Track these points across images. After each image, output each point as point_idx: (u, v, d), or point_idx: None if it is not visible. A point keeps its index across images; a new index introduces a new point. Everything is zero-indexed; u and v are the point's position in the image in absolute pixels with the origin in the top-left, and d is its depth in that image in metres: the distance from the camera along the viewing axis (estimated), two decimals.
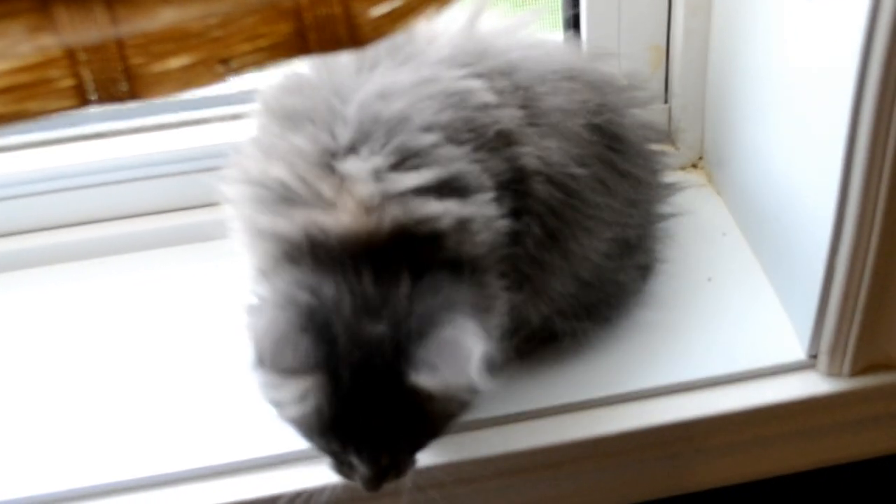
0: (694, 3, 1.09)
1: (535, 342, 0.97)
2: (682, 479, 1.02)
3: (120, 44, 0.55)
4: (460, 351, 0.71)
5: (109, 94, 0.56)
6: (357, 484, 0.81)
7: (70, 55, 0.55)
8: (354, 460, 0.79)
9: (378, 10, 0.58)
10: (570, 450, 0.94)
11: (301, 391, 0.75)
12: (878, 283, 0.92)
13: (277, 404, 0.78)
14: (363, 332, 0.73)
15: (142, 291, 1.10)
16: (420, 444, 0.81)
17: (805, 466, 1.05)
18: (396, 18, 0.58)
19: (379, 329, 0.73)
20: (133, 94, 0.56)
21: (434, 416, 0.78)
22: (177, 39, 0.56)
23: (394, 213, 0.74)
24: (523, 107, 0.84)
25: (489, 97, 0.81)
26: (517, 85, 0.85)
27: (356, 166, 0.75)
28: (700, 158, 1.20)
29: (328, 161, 0.76)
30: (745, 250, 1.10)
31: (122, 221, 1.16)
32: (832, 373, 0.98)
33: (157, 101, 0.57)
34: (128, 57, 0.55)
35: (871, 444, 1.05)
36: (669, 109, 1.18)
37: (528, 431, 0.94)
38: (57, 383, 1.01)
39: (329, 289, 0.74)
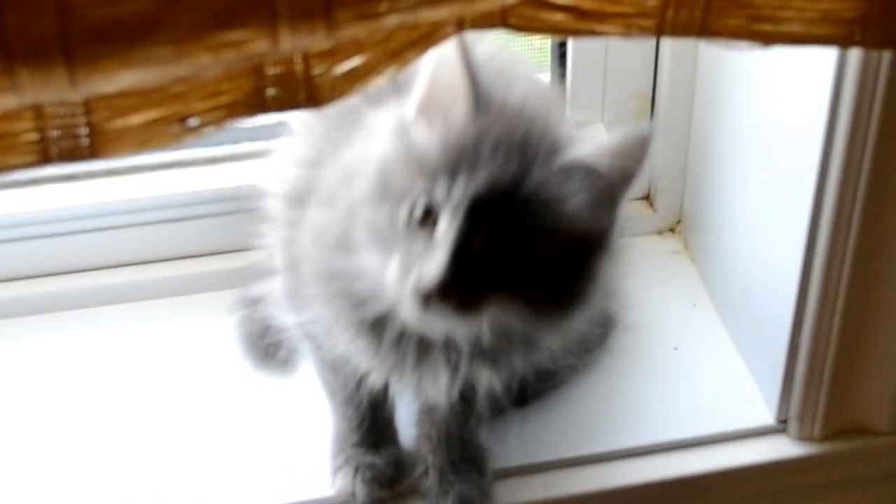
0: (680, 52, 1.09)
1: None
2: None
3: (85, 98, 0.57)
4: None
5: (70, 151, 0.58)
6: (409, 285, 0.71)
7: (34, 109, 0.56)
8: (443, 226, 0.71)
9: (338, 70, 0.59)
10: None
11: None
12: (843, 350, 0.93)
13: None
14: None
15: (135, 344, 1.10)
16: (523, 259, 0.73)
17: None
18: (355, 79, 0.60)
19: None
20: (94, 152, 0.58)
21: (556, 233, 0.73)
22: (139, 94, 0.57)
23: None
24: None
25: None
26: None
27: None
28: (678, 222, 1.20)
29: None
30: (715, 321, 1.11)
31: (110, 270, 1.15)
32: (802, 437, 0.98)
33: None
34: (91, 111, 0.57)
35: None
36: (651, 165, 1.17)
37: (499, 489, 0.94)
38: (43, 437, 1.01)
39: None
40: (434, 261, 0.71)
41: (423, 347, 0.80)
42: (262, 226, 0.91)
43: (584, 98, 1.13)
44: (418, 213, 0.72)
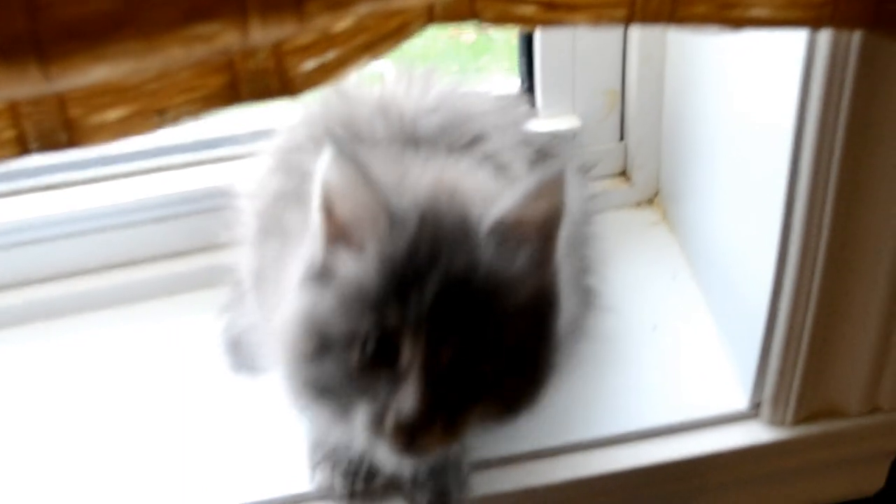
0: (647, 50, 1.10)
1: None
2: None
3: (60, 96, 0.57)
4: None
5: (50, 143, 0.58)
6: (387, 428, 0.68)
7: (12, 107, 0.57)
8: (406, 352, 0.67)
9: (310, 64, 0.60)
10: (509, 500, 0.95)
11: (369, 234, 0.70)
12: (819, 332, 0.93)
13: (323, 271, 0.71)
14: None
15: (117, 348, 1.10)
16: (493, 358, 0.70)
17: None
18: (328, 71, 0.60)
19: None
20: (72, 143, 0.58)
21: (514, 310, 0.70)
22: (114, 92, 0.57)
23: None
24: None
25: None
26: None
27: None
28: (656, 194, 1.21)
29: None
30: (694, 292, 1.11)
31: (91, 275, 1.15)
32: (775, 422, 0.99)
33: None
34: (67, 108, 0.57)
35: (815, 491, 1.06)
36: (625, 146, 1.19)
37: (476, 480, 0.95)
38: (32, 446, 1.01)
39: None
40: (408, 392, 0.67)
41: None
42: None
43: (554, 95, 1.14)
44: (370, 350, 0.68)
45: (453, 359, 0.68)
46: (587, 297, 0.98)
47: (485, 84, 0.99)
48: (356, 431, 0.70)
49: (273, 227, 0.82)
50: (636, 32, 1.10)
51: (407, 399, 0.67)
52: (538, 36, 1.11)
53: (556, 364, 0.75)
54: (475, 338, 0.68)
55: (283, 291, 0.76)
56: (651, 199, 1.21)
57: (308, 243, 0.73)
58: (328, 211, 0.71)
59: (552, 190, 0.70)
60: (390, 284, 0.68)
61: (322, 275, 0.71)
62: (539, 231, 0.71)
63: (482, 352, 0.69)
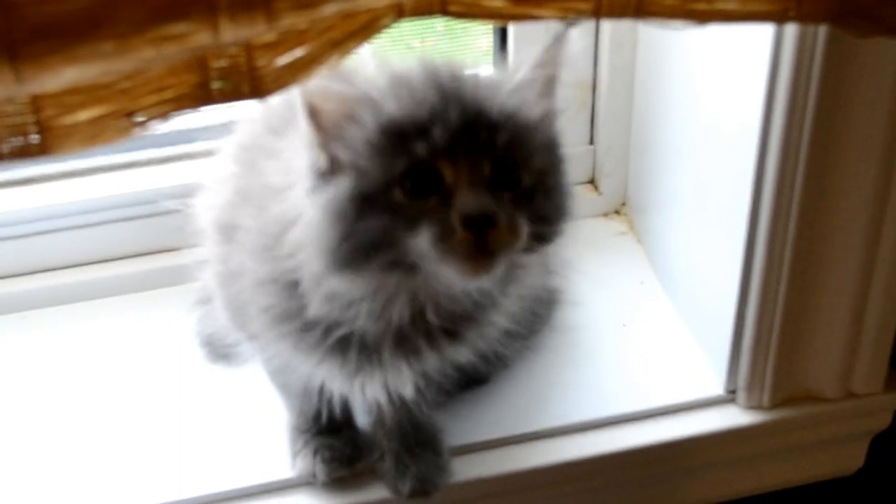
0: (619, 40, 1.11)
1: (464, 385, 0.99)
2: None
3: (33, 95, 0.57)
4: None
5: (21, 150, 0.58)
6: (457, 231, 0.69)
7: None
8: (448, 171, 0.70)
9: (281, 61, 0.60)
10: (490, 485, 0.96)
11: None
12: (789, 319, 0.95)
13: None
14: None
15: (96, 340, 1.11)
16: (527, 173, 0.74)
17: (727, 497, 1.07)
18: (298, 69, 0.60)
19: None
20: (44, 149, 0.58)
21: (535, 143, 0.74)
22: (86, 91, 0.58)
23: None
24: None
25: None
26: None
27: None
28: (623, 205, 1.23)
29: None
30: (662, 297, 1.13)
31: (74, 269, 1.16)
32: (752, 406, 1.00)
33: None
34: (40, 109, 0.57)
35: (795, 472, 1.08)
36: (594, 151, 1.20)
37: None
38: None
39: None
40: (466, 196, 0.70)
41: (385, 348, 0.81)
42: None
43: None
44: (410, 184, 0.70)
45: (493, 171, 0.71)
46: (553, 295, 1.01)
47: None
48: (423, 249, 0.71)
49: (232, 228, 0.83)
50: (608, 24, 1.11)
51: (468, 200, 0.70)
52: (512, 28, 1.11)
53: (571, 208, 0.78)
54: (507, 156, 0.72)
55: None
56: (618, 210, 1.23)
57: (303, 162, 0.74)
58: (314, 116, 0.72)
59: (554, 54, 0.75)
60: (410, 125, 0.70)
61: (329, 172, 0.73)
62: (543, 89, 0.76)
63: (516, 167, 0.73)
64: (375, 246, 0.71)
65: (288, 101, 0.78)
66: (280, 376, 0.93)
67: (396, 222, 0.71)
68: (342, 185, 0.72)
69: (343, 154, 0.72)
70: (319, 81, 0.70)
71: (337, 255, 0.72)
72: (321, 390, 0.89)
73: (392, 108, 0.71)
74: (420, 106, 0.71)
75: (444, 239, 0.69)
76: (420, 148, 0.70)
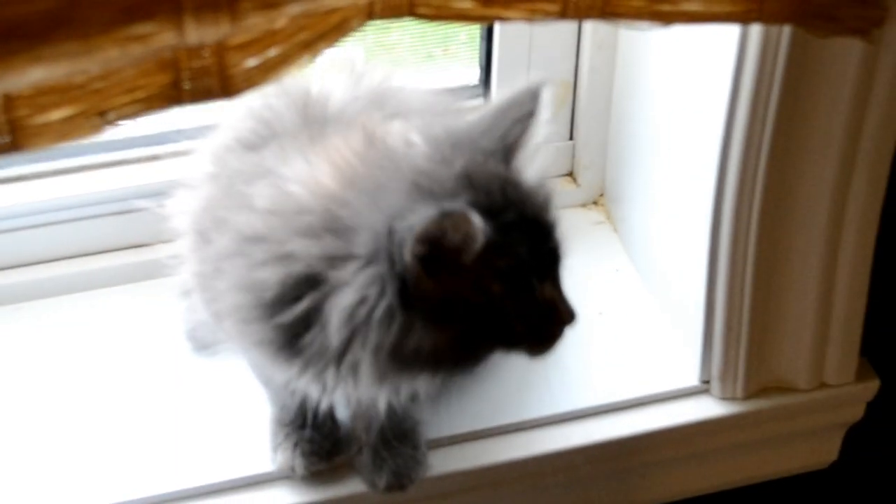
0: (600, 39, 1.12)
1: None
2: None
3: (5, 96, 0.58)
4: None
5: None
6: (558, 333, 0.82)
7: None
8: (545, 286, 0.80)
9: (251, 62, 0.61)
10: (467, 478, 0.97)
11: None
12: (758, 309, 0.96)
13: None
14: None
15: (83, 332, 1.10)
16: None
17: (703, 490, 1.09)
18: (268, 69, 0.61)
19: None
20: (15, 146, 0.59)
21: None
22: (59, 91, 0.58)
23: None
24: None
25: None
26: None
27: None
28: (601, 195, 1.23)
29: None
30: (638, 285, 1.13)
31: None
32: (726, 396, 1.01)
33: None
34: (12, 108, 0.58)
35: (769, 465, 1.09)
36: (574, 146, 1.21)
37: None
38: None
39: None
40: (565, 304, 0.82)
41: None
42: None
43: (510, 86, 1.15)
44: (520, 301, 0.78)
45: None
46: None
47: (420, 79, 1.01)
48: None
49: (210, 229, 0.83)
50: (589, 26, 1.12)
51: (567, 308, 0.81)
52: (498, 27, 1.12)
53: None
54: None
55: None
56: (596, 201, 1.24)
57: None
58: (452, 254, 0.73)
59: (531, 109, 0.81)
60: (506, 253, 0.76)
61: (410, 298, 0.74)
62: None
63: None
64: (483, 346, 0.80)
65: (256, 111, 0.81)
66: (260, 371, 0.94)
67: (501, 335, 0.79)
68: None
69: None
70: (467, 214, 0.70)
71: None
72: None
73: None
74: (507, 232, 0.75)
75: (546, 341, 0.82)
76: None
